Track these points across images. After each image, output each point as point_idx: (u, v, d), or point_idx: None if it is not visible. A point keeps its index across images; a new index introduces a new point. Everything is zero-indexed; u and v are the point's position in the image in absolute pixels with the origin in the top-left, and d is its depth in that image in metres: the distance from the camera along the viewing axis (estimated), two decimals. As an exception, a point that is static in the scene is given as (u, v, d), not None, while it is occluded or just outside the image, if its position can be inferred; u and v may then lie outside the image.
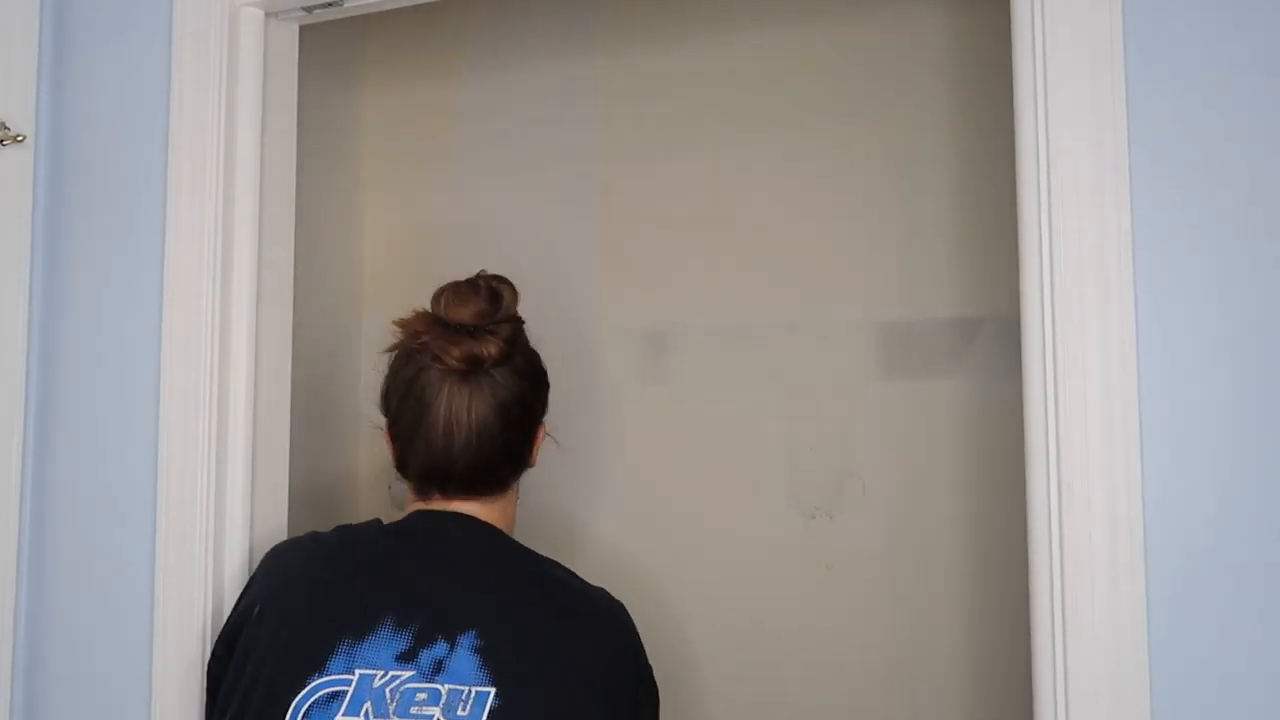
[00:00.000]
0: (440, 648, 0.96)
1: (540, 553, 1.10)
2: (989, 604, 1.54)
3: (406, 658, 0.95)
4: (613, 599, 1.09)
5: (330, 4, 1.25)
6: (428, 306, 1.12)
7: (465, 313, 1.08)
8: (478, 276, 1.13)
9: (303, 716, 0.94)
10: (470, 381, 1.07)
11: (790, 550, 1.65)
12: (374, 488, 1.91)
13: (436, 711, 0.93)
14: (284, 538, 1.30)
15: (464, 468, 1.07)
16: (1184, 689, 0.86)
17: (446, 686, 0.94)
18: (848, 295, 1.65)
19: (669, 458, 1.72)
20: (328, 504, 1.83)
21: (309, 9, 1.27)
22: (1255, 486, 0.86)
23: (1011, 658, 1.46)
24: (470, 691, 0.93)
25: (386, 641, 0.96)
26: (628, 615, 1.09)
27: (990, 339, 1.56)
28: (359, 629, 0.97)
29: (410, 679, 0.94)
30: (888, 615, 1.60)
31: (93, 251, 1.29)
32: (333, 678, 0.95)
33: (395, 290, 1.93)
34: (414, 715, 0.93)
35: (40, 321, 1.31)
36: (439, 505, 1.10)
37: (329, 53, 1.82)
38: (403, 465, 1.11)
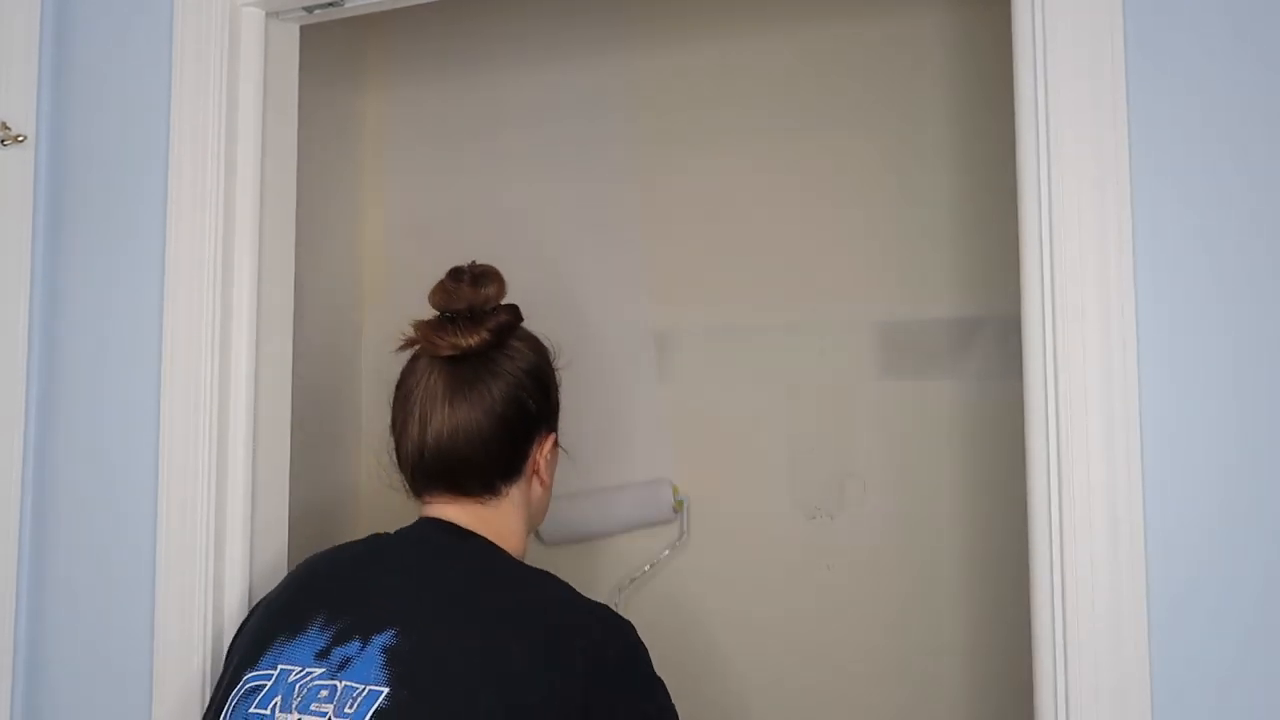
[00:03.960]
0: (352, 646, 0.94)
1: (546, 571, 1.04)
2: (989, 604, 1.54)
3: (322, 655, 0.95)
4: (610, 616, 1.01)
5: (331, 4, 1.25)
6: None
7: (449, 301, 1.10)
8: (464, 266, 1.14)
9: (231, 710, 0.96)
10: (453, 371, 1.07)
11: (791, 550, 1.65)
12: (373, 482, 1.91)
13: (330, 709, 0.91)
14: (283, 540, 1.30)
15: (437, 459, 1.06)
16: (1185, 689, 0.86)
17: (343, 683, 0.92)
18: (847, 295, 1.65)
19: (669, 457, 1.72)
20: (330, 500, 1.83)
21: (310, 9, 1.27)
22: (1256, 486, 0.86)
23: (1012, 657, 1.46)
24: (363, 690, 0.91)
25: (312, 640, 0.96)
26: (622, 636, 0.99)
27: (990, 339, 1.56)
28: (293, 628, 0.99)
29: (319, 675, 0.94)
30: (888, 615, 1.60)
31: (93, 252, 1.29)
32: (260, 672, 0.97)
33: (395, 291, 1.93)
34: (313, 711, 0.92)
35: (41, 322, 1.31)
36: (430, 510, 1.09)
37: (330, 53, 1.82)
38: (397, 461, 1.11)
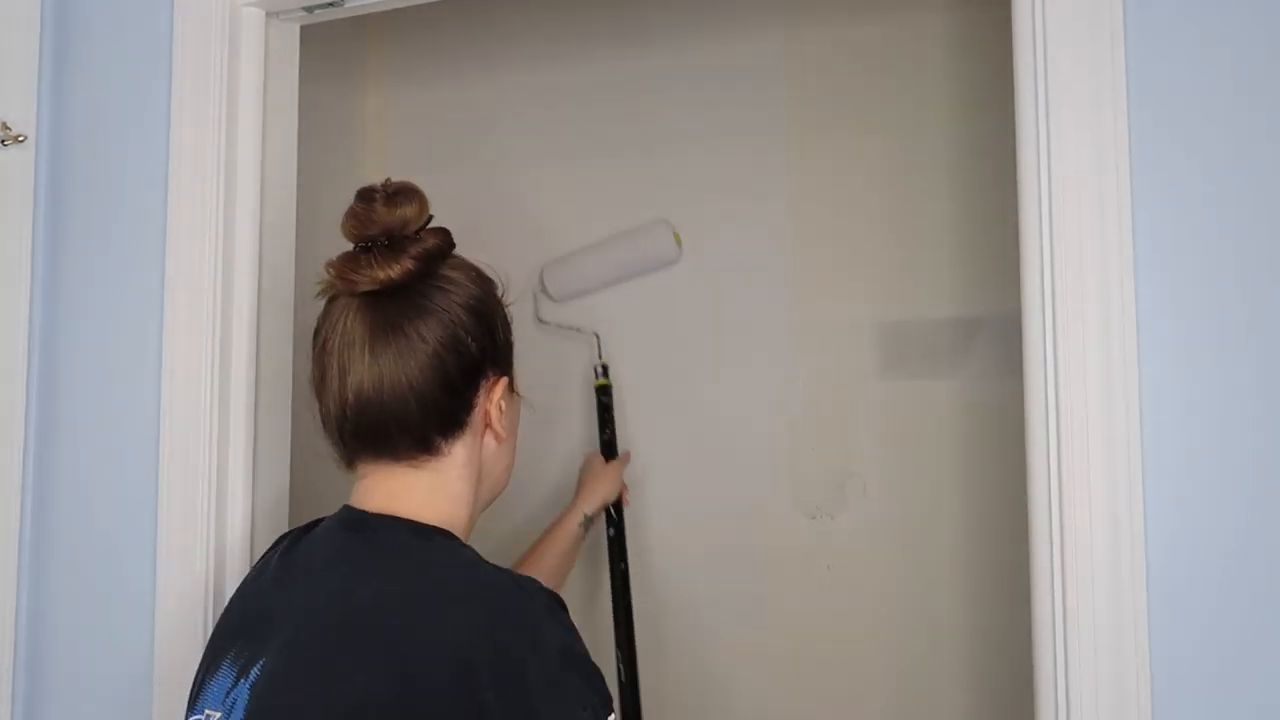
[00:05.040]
0: (240, 684, 0.85)
1: (459, 551, 0.89)
2: (989, 604, 1.54)
3: (226, 695, 0.86)
4: (491, 582, 0.84)
5: (331, 4, 1.25)
6: None
7: (362, 228, 0.93)
8: (376, 185, 0.95)
9: None
10: (374, 311, 0.91)
11: (792, 550, 1.66)
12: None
13: None
14: (285, 520, 1.29)
15: (360, 417, 0.90)
16: (1185, 688, 0.86)
17: None
18: (848, 295, 1.65)
19: (670, 458, 1.72)
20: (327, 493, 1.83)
21: (309, 9, 1.27)
22: (1256, 486, 0.86)
23: (1012, 657, 1.46)
24: None
25: (223, 679, 0.87)
26: (509, 610, 0.81)
27: (990, 339, 1.56)
28: (213, 664, 0.90)
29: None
30: (888, 615, 1.60)
31: (94, 252, 1.29)
32: (194, 718, 0.89)
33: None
34: None
35: (41, 321, 1.31)
36: (357, 489, 0.95)
37: (330, 53, 1.82)
38: (321, 425, 0.95)
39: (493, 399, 0.96)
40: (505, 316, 1.00)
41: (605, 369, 1.72)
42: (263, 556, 1.00)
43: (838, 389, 1.65)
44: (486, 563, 0.87)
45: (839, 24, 1.68)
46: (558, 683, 0.78)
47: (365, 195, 0.94)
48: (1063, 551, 0.89)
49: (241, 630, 0.90)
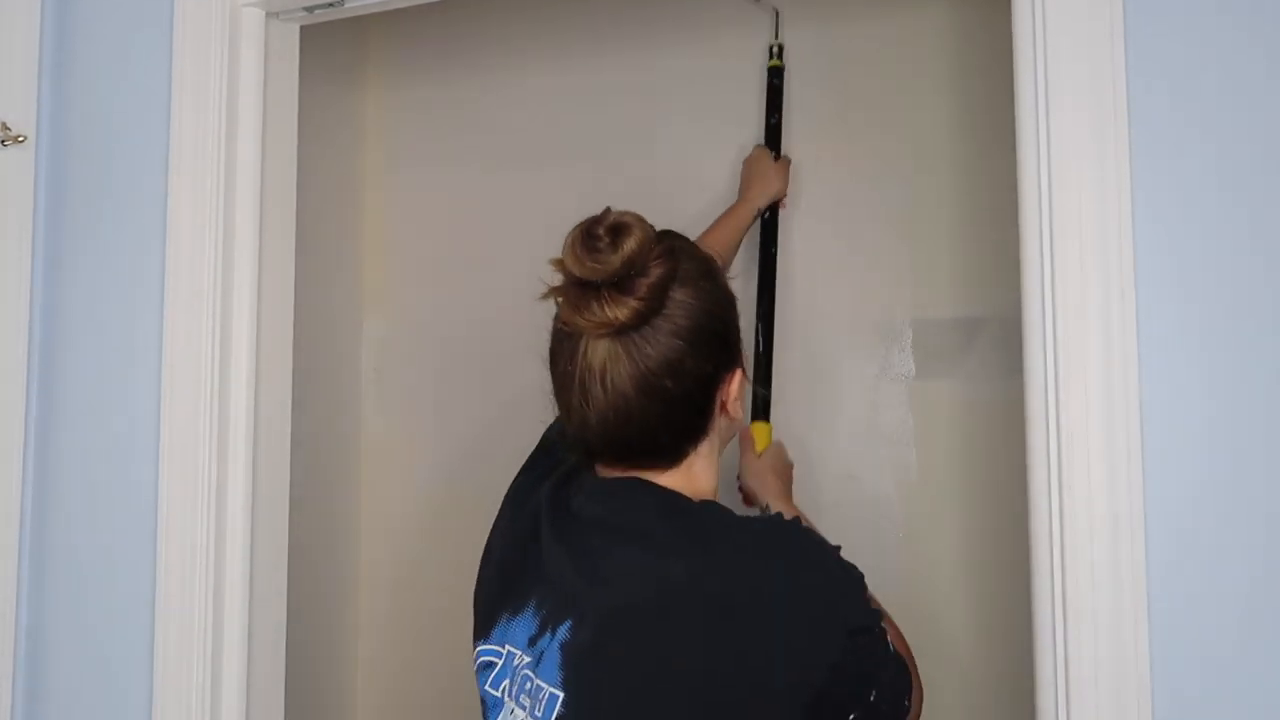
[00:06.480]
0: (546, 638, 0.91)
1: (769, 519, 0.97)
2: (989, 604, 1.54)
3: (532, 642, 0.92)
4: (797, 540, 0.97)
5: (331, 4, 1.25)
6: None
7: (586, 269, 0.89)
8: (598, 220, 0.92)
9: (476, 674, 0.97)
10: (610, 344, 0.91)
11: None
12: (378, 464, 1.91)
13: (529, 705, 0.90)
14: (285, 520, 1.30)
15: (605, 442, 0.94)
16: (1185, 688, 0.86)
17: (537, 680, 0.90)
18: (849, 295, 1.65)
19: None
20: (331, 464, 1.83)
21: (310, 9, 1.27)
22: (1256, 485, 0.86)
23: (1012, 658, 1.46)
24: (546, 692, 0.88)
25: (527, 623, 0.93)
26: (819, 569, 0.97)
27: (990, 339, 1.56)
28: (516, 604, 0.95)
29: (528, 665, 0.92)
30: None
31: (94, 252, 1.29)
32: (490, 647, 0.96)
33: (396, 290, 1.92)
34: (521, 704, 0.91)
35: (41, 322, 1.31)
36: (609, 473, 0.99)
37: (330, 52, 1.82)
38: (567, 433, 0.99)
39: (730, 394, 0.98)
40: (732, 302, 1.00)
41: (781, 49, 1.67)
42: (523, 489, 1.04)
43: (838, 389, 1.65)
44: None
45: (839, 24, 1.68)
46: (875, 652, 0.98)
47: (589, 241, 0.90)
48: (1063, 551, 0.89)
49: (539, 580, 0.94)
